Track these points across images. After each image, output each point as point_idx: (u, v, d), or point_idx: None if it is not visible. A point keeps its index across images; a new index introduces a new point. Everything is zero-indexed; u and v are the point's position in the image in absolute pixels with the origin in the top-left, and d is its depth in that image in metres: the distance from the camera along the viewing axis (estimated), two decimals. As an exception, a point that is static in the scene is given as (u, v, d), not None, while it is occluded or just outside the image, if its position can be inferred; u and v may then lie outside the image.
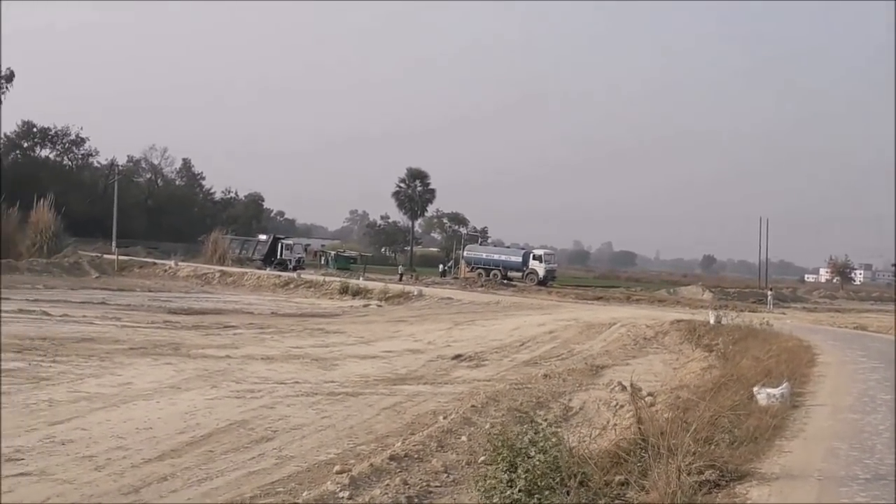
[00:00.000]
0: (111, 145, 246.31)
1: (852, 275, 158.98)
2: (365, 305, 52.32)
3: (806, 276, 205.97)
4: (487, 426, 15.75)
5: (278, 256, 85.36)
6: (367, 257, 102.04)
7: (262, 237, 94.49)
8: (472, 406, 18.23)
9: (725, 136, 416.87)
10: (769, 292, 76.93)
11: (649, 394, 19.78)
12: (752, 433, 11.62)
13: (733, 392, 15.62)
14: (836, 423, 13.35)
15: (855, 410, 14.68)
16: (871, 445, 11.46)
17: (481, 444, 13.40)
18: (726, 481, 9.13)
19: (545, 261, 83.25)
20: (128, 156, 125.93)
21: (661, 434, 10.24)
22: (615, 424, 16.83)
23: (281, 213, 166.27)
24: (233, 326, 34.51)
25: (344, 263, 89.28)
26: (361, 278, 70.46)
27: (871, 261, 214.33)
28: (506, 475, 9.10)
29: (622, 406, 19.07)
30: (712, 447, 10.37)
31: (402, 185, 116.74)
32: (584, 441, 11.97)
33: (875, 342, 33.00)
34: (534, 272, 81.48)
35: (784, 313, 60.89)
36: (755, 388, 15.01)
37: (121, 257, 75.83)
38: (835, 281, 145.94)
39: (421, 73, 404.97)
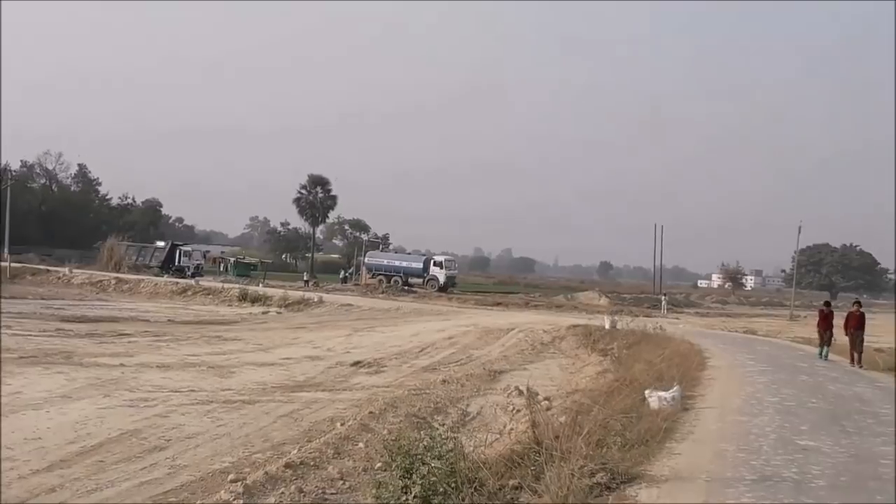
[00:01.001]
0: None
1: (743, 280, 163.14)
2: (264, 312, 51.79)
3: (699, 281, 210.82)
4: (385, 432, 15.76)
5: (176, 263, 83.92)
6: (268, 264, 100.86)
7: (160, 244, 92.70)
8: (370, 412, 18.22)
9: (621, 145, 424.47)
10: (663, 298, 78.50)
11: (546, 398, 20.01)
12: (644, 436, 11.84)
13: (626, 395, 15.92)
14: (725, 425, 13.66)
15: (743, 413, 15.04)
16: (757, 447, 11.76)
17: (378, 451, 13.41)
18: (617, 483, 9.28)
19: (446, 267, 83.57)
20: (21, 160, 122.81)
21: (556, 438, 10.39)
22: (512, 429, 17.00)
23: (180, 220, 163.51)
24: (127, 334, 33.87)
25: (244, 270, 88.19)
26: (261, 285, 69.81)
27: (761, 267, 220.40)
28: (401, 481, 9.14)
29: (519, 410, 19.25)
30: (604, 450, 10.53)
31: (303, 191, 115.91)
32: (481, 446, 12.06)
33: (764, 346, 33.91)
34: (434, 278, 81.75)
35: (677, 318, 62.14)
36: (647, 392, 15.29)
37: (13, 264, 73.82)
38: (726, 286, 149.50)
39: (317, 71, 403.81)
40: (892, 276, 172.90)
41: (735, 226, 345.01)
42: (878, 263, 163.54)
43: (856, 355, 25.42)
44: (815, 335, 36.73)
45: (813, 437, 12.72)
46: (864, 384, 20.66)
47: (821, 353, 27.22)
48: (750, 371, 22.71)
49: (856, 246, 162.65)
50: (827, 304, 29.02)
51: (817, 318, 28.50)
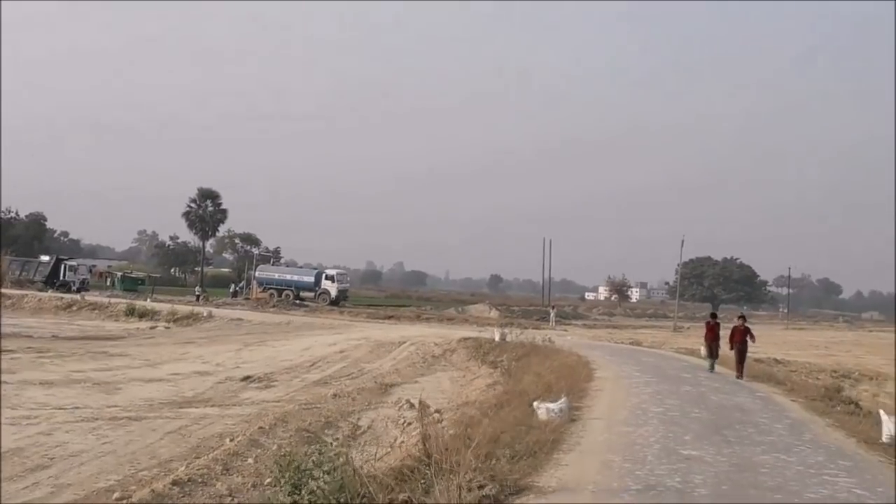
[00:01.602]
0: None
1: (629, 293, 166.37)
2: (152, 327, 50.88)
3: (586, 294, 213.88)
4: (275, 448, 15.66)
5: (61, 278, 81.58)
6: (156, 278, 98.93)
7: (44, 258, 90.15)
8: (260, 428, 18.07)
9: (516, 159, 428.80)
10: (552, 310, 79.36)
11: (436, 411, 20.12)
12: (532, 447, 11.96)
13: (516, 407, 16.10)
14: (611, 436, 13.88)
15: (628, 423, 15.31)
16: (642, 457, 11.98)
17: (268, 467, 13.32)
18: (505, 496, 9.35)
19: (337, 281, 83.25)
20: None
21: (446, 451, 10.44)
22: (402, 442, 17.06)
23: (65, 234, 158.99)
24: (10, 350, 32.85)
25: (131, 285, 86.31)
26: (149, 300, 68.44)
27: (646, 279, 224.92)
28: (290, 497, 9.09)
29: (410, 424, 19.32)
30: (494, 462, 10.61)
31: (192, 205, 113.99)
32: (371, 460, 12.08)
33: (649, 357, 34.55)
34: (326, 292, 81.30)
35: (565, 330, 62.94)
36: (536, 403, 15.46)
37: None
38: (613, 298, 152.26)
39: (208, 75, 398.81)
40: (772, 289, 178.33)
41: (620, 239, 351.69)
42: (758, 276, 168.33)
43: (740, 366, 25.81)
44: (698, 346, 37.66)
45: (696, 446, 13.00)
46: (745, 395, 21.21)
47: (711, 367, 27.49)
48: (635, 382, 23.10)
49: (736, 259, 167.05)
50: (713, 315, 29.29)
51: (705, 331, 28.74)
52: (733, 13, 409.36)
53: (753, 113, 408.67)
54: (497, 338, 38.71)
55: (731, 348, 26.35)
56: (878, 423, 15.01)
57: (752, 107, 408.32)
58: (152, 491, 12.06)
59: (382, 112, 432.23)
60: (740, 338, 26.08)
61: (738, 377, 25.43)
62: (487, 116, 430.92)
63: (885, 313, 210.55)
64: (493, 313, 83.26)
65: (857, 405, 20.91)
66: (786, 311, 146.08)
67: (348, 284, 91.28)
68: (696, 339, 54.78)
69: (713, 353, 27.66)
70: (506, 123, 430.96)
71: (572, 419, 15.31)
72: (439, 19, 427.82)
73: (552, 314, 76.14)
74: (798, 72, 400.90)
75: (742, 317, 27.69)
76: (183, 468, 13.95)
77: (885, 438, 14.24)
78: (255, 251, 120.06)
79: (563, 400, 15.56)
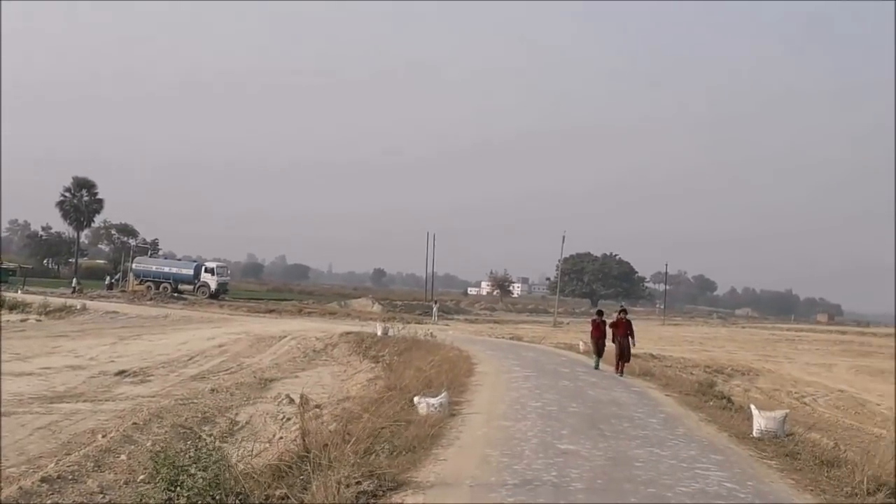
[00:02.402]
0: None
1: (511, 288, 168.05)
2: (22, 320, 49.22)
3: (469, 289, 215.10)
4: (149, 444, 15.32)
5: (-76, 269, 78.58)
6: (28, 269, 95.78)
7: None
8: (135, 423, 17.66)
9: (405, 157, 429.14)
10: (434, 305, 79.71)
11: (316, 406, 20.00)
12: (411, 442, 11.94)
13: (396, 402, 16.03)
14: (490, 430, 13.90)
15: (507, 418, 15.38)
16: (520, 451, 12.03)
17: (142, 463, 13.01)
18: (384, 491, 9.31)
19: (217, 273, 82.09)
20: None
21: (324, 446, 10.36)
22: (281, 438, 16.89)
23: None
24: None
25: (1, 276, 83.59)
26: (20, 291, 66.33)
27: (527, 274, 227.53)
28: (165, 494, 8.89)
29: (289, 419, 19.14)
30: (373, 457, 10.56)
31: (66, 194, 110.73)
32: (249, 456, 11.90)
33: (529, 352, 34.92)
34: (206, 285, 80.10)
35: (448, 325, 63.38)
36: (416, 398, 15.46)
37: None
38: (495, 294, 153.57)
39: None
40: (649, 285, 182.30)
41: (503, 234, 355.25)
42: (636, 272, 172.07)
43: (621, 363, 25.44)
44: (577, 341, 38.23)
45: (573, 440, 13.11)
46: (621, 389, 21.53)
47: (596, 364, 26.98)
48: (515, 377, 23.24)
49: (615, 255, 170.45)
50: (600, 313, 28.29)
51: (591, 328, 27.84)
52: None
53: (634, 116, 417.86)
54: (379, 332, 38.80)
55: (613, 341, 25.84)
56: (749, 417, 15.40)
57: (634, 111, 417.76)
58: (20, 488, 11.67)
59: (265, 103, 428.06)
60: (623, 331, 25.53)
61: (617, 372, 25.18)
62: (379, 112, 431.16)
63: (757, 310, 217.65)
64: (376, 308, 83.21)
65: (729, 400, 21.40)
66: (662, 307, 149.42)
67: (228, 277, 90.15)
68: (574, 334, 55.87)
69: (599, 350, 27.10)
70: (398, 121, 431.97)
71: (452, 414, 15.33)
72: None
73: (435, 309, 76.48)
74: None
75: (623, 310, 27.40)
76: (53, 465, 13.52)
77: (755, 433, 14.61)
78: (133, 242, 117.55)
79: (443, 395, 15.59)
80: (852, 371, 44.47)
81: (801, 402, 29.82)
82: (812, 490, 10.55)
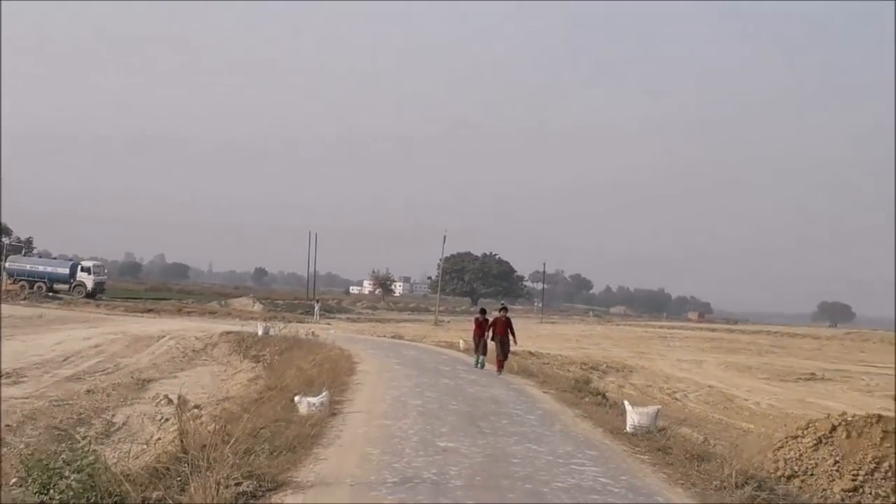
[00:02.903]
0: None
1: (392, 287, 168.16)
2: None
3: (351, 287, 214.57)
4: (22, 446, 14.97)
5: None
6: None
7: None
8: (7, 426, 17.24)
9: (304, 150, 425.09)
10: (316, 304, 79.44)
11: (195, 406, 19.77)
12: (292, 442, 11.91)
13: (277, 402, 16.00)
14: (371, 429, 13.96)
15: (388, 416, 15.46)
16: (400, 450, 12.12)
17: (14, 466, 12.70)
18: (263, 491, 9.29)
19: (94, 272, 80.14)
20: None
21: (203, 447, 10.28)
22: (159, 439, 16.70)
23: None
24: None
25: None
26: None
27: (409, 273, 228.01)
28: (37, 497, 8.74)
29: (168, 420, 18.91)
30: (252, 458, 10.52)
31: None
32: (125, 458, 11.75)
33: (410, 350, 35.10)
34: (82, 284, 78.11)
35: (329, 324, 63.19)
36: (297, 398, 15.42)
37: None
38: (377, 292, 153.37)
39: None
40: (528, 284, 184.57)
41: (386, 233, 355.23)
42: (515, 271, 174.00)
43: (501, 360, 25.40)
44: (458, 339, 38.51)
45: (452, 438, 13.27)
46: (500, 386, 21.79)
47: (476, 362, 26.93)
48: (396, 375, 23.34)
49: (495, 255, 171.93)
50: (483, 312, 28.15)
51: (474, 327, 27.94)
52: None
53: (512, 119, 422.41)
54: (260, 332, 38.55)
55: (493, 339, 25.76)
56: (623, 413, 15.75)
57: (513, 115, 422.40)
58: None
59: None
60: (502, 329, 25.52)
61: (497, 371, 25.15)
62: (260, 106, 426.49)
63: (631, 308, 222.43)
64: (257, 307, 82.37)
65: (604, 396, 21.86)
66: (540, 305, 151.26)
67: (106, 276, 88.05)
68: (455, 332, 56.23)
69: (482, 349, 26.86)
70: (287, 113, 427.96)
71: (333, 413, 15.35)
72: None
73: (316, 308, 76.26)
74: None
75: (504, 308, 27.12)
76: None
77: (629, 428, 14.97)
78: (6, 241, 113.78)
79: (324, 394, 15.60)
80: (721, 367, 45.75)
81: (672, 397, 30.59)
82: (683, 484, 10.88)
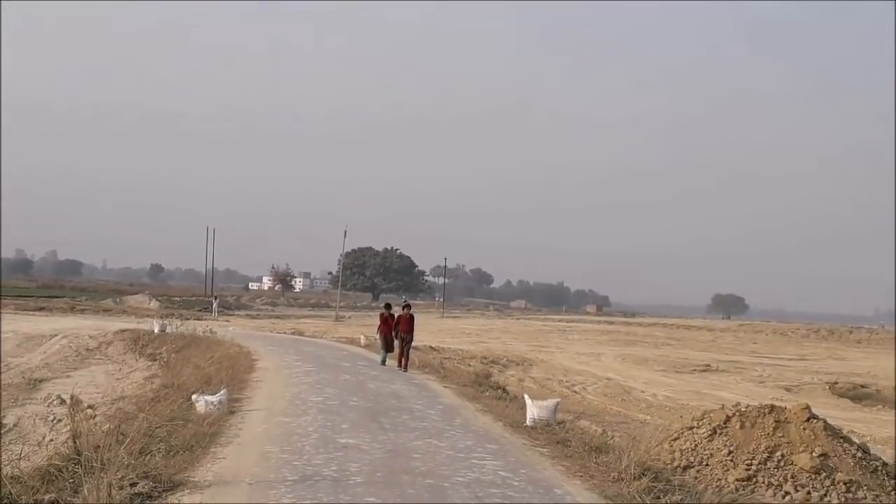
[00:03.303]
0: None
1: (293, 283, 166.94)
2: None
3: (250, 284, 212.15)
4: None
5: None
6: None
7: None
8: None
9: (205, 139, 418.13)
10: (214, 300, 78.42)
11: (89, 406, 19.31)
12: (189, 441, 11.74)
13: (173, 401, 15.73)
14: (270, 427, 13.85)
15: (288, 414, 15.36)
16: (300, 447, 12.04)
17: None
18: (160, 492, 9.13)
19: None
20: None
21: (97, 448, 10.06)
22: (52, 440, 16.31)
23: None
24: None
25: None
26: None
27: (309, 269, 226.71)
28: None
29: (60, 420, 18.49)
30: (148, 458, 10.35)
31: None
32: (15, 460, 11.41)
33: (310, 346, 34.90)
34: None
35: (228, 321, 62.44)
36: (194, 396, 15.22)
37: None
38: (277, 288, 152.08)
39: None
40: (429, 279, 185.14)
41: (285, 228, 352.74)
42: (416, 266, 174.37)
43: (404, 358, 25.18)
44: (359, 335, 38.42)
45: (353, 434, 13.24)
46: (401, 382, 21.84)
47: (383, 359, 26.46)
48: (296, 372, 23.22)
49: (396, 249, 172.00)
50: (388, 307, 27.67)
51: (378, 323, 27.20)
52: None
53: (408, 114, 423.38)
54: (156, 329, 38.04)
55: (396, 337, 25.43)
56: (523, 407, 15.90)
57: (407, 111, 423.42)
58: None
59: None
60: (406, 326, 25.23)
61: (400, 367, 24.92)
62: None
63: (531, 301, 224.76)
64: (154, 304, 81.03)
65: (504, 390, 22.05)
66: (442, 299, 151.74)
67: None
68: (356, 328, 56.21)
69: (388, 345, 26.39)
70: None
71: (232, 411, 15.20)
72: None
73: (215, 305, 75.34)
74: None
75: (407, 304, 26.87)
76: None
77: (528, 422, 15.12)
78: None
79: (222, 392, 15.43)
80: (619, 360, 46.60)
81: (571, 390, 31.01)
82: (581, 476, 11.03)
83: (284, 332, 49.77)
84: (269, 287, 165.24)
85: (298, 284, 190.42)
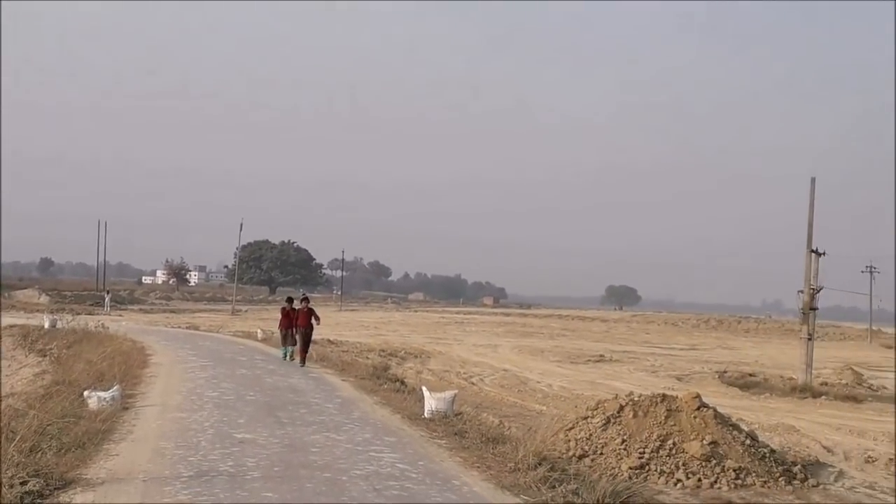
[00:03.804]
0: None
1: (188, 276, 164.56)
2: None
3: (144, 278, 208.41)
4: None
5: None
6: None
7: None
8: None
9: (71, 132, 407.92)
10: (106, 295, 77.09)
11: (-24, 405, 18.82)
12: (81, 438, 11.56)
13: (65, 397, 15.45)
14: (165, 422, 13.71)
15: (183, 409, 15.21)
16: (196, 443, 11.95)
17: None
18: (51, 490, 8.97)
19: None
20: None
21: (-15, 447, 9.86)
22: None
23: None
24: None
25: None
26: None
27: (204, 262, 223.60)
28: None
29: (-55, 420, 17.92)
30: (39, 456, 10.15)
31: None
32: None
33: (206, 341, 34.54)
34: None
35: (121, 315, 61.44)
36: (86, 392, 14.98)
37: None
38: (171, 282, 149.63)
39: None
40: (327, 272, 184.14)
41: (179, 221, 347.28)
42: (314, 259, 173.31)
43: (302, 352, 24.98)
44: (255, 329, 38.12)
45: (250, 429, 13.18)
46: (299, 375, 21.79)
47: (285, 355, 26.26)
48: (191, 367, 22.99)
49: (293, 242, 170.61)
50: (290, 301, 27.03)
51: (280, 317, 26.89)
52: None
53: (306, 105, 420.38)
54: (47, 325, 37.37)
55: (296, 332, 25.25)
56: (421, 399, 16.03)
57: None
58: None
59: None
60: (305, 321, 25.04)
61: (300, 362, 24.71)
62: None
63: (429, 294, 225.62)
64: (43, 299, 79.26)
65: (402, 382, 22.13)
66: (339, 293, 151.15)
67: None
68: (253, 322, 55.81)
69: (290, 340, 26.04)
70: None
71: (125, 407, 15.03)
72: None
73: (107, 299, 74.15)
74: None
75: (306, 298, 26.73)
76: None
77: (426, 414, 15.24)
78: None
79: (115, 388, 15.23)
80: (515, 351, 47.05)
81: (469, 382, 31.19)
82: (479, 467, 11.16)
83: (179, 327, 49.14)
84: (164, 281, 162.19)
85: (193, 278, 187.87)
